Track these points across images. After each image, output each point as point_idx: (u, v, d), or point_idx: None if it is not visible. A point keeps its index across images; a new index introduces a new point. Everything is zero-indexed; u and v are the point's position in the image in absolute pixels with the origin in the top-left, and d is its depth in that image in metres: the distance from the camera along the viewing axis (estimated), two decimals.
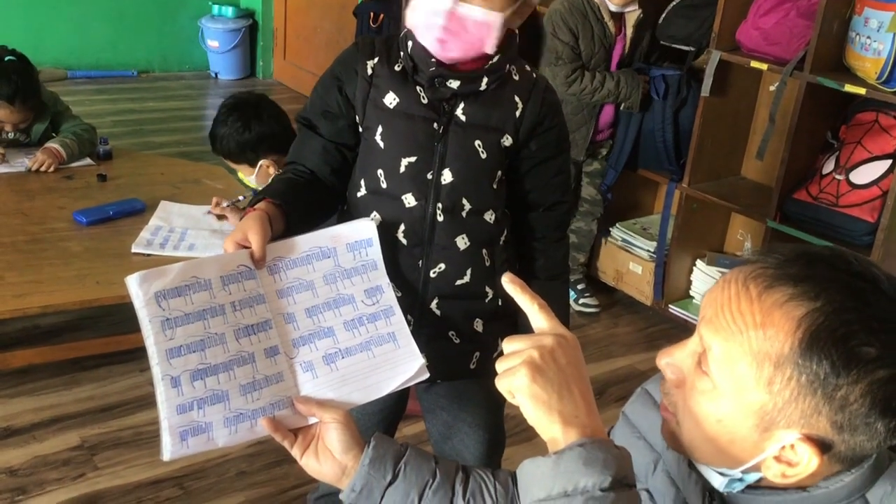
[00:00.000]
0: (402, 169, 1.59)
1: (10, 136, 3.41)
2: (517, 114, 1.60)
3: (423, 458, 1.22)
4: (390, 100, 1.58)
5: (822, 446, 0.85)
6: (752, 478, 0.91)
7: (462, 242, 1.64)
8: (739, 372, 0.86)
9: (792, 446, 0.85)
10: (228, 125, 2.61)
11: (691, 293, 3.59)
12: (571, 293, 3.64)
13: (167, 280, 1.22)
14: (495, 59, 1.54)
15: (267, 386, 1.27)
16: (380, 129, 1.60)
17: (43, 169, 3.27)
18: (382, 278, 1.41)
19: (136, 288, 1.19)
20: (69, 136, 3.41)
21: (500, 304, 1.70)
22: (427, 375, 1.37)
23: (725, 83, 3.30)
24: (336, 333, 1.34)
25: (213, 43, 6.42)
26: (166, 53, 6.48)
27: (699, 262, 3.56)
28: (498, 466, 1.94)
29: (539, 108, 1.62)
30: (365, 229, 1.43)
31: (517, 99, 1.60)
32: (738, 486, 0.93)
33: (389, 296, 1.40)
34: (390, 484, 1.19)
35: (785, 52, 3.02)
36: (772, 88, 3.21)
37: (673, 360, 0.94)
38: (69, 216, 2.97)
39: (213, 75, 6.55)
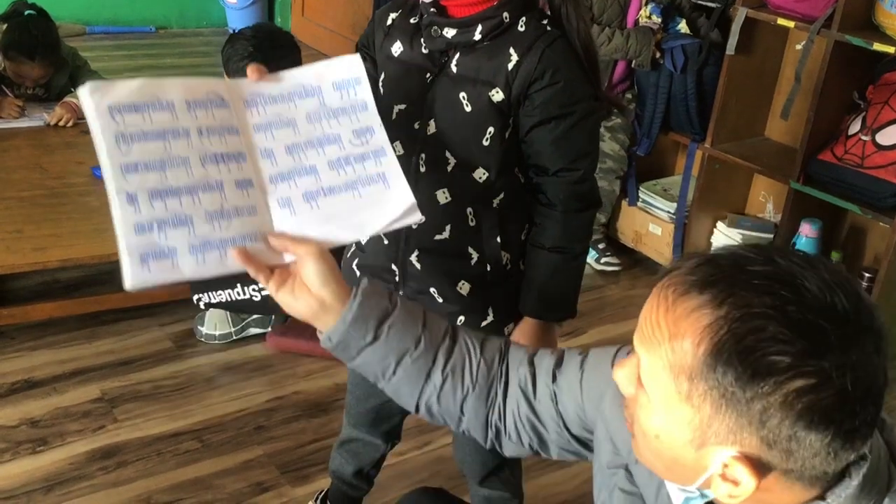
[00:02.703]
0: (394, 116, 1.60)
1: (30, 90, 3.41)
2: (510, 66, 1.52)
3: (410, 321, 1.16)
4: (396, 48, 1.61)
5: (759, 465, 0.79)
6: (712, 493, 0.86)
7: (442, 196, 1.60)
8: (663, 385, 0.83)
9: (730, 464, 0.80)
10: (238, 44, 2.67)
11: None
12: (592, 252, 3.63)
13: (122, 94, 1.13)
14: (491, 5, 1.51)
15: (237, 216, 1.18)
16: (382, 76, 1.64)
17: (62, 123, 3.27)
18: (374, 119, 1.31)
19: (88, 98, 1.11)
20: None
21: (488, 269, 1.64)
22: (420, 217, 1.28)
23: (751, 41, 3.24)
24: (319, 172, 1.25)
25: None
26: (184, 9, 6.43)
27: (720, 224, 3.52)
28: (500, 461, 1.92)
29: (537, 61, 1.51)
30: (352, 66, 1.32)
31: (512, 51, 1.52)
32: (700, 502, 0.89)
33: (381, 137, 1.30)
34: (369, 344, 1.14)
35: (812, 9, 2.95)
36: (798, 47, 3.15)
37: (625, 372, 0.90)
38: (88, 171, 2.98)
39: (232, 32, 6.50)
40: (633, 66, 3.39)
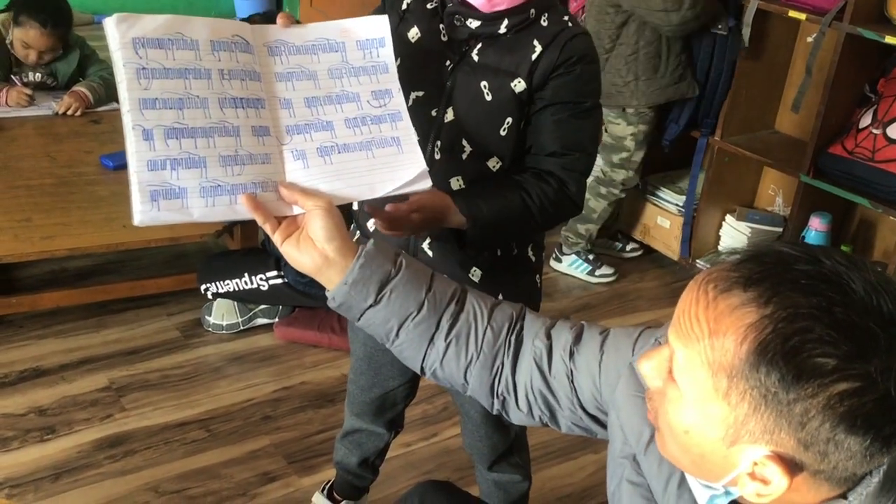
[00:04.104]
0: (411, 102, 1.59)
1: (37, 77, 3.41)
2: (533, 58, 1.54)
3: (414, 285, 1.14)
4: (413, 34, 1.60)
5: (792, 466, 0.79)
6: (738, 491, 0.85)
7: (456, 184, 1.60)
8: (700, 381, 0.81)
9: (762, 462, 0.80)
10: None
11: (720, 248, 3.55)
12: (585, 265, 3.61)
13: (148, 28, 1.15)
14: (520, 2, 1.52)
15: (251, 164, 1.18)
16: (398, 62, 1.60)
17: (70, 112, 3.27)
18: (393, 83, 1.33)
19: (113, 29, 1.13)
20: (96, 81, 3.40)
21: (498, 254, 1.66)
22: (430, 183, 1.30)
23: (762, 33, 3.22)
24: (335, 128, 1.26)
25: None
26: None
27: (729, 217, 3.51)
28: (508, 450, 1.92)
29: (559, 52, 1.53)
30: (378, 27, 1.33)
31: (536, 43, 1.54)
32: (725, 500, 0.88)
33: (399, 101, 1.32)
34: (370, 307, 1.13)
35: (824, 1, 2.93)
36: (809, 39, 3.13)
37: (652, 364, 0.89)
38: (96, 160, 2.98)
39: (240, 20, 6.49)
40: (713, 30, 3.18)
